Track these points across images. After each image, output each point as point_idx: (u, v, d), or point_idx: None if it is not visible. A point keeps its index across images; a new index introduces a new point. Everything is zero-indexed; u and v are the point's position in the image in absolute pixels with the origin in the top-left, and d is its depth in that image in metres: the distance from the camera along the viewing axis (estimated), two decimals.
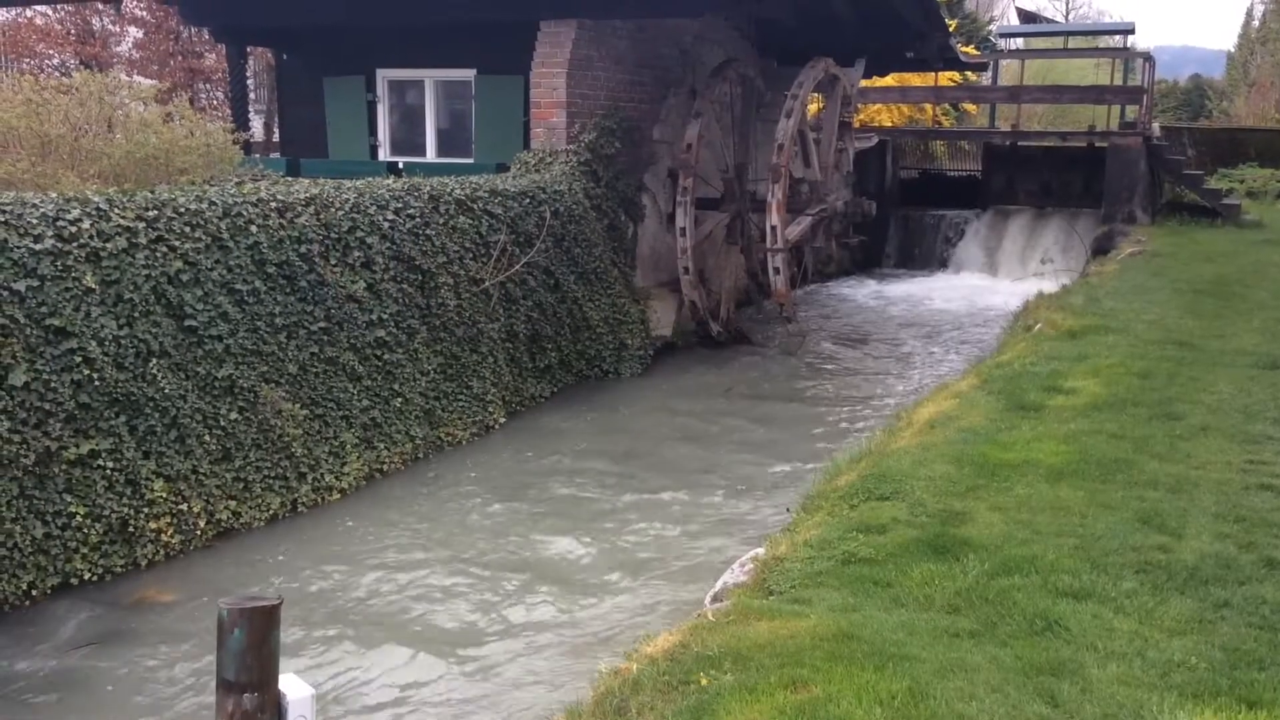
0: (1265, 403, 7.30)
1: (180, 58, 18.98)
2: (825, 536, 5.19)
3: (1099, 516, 5.32)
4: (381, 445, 8.21)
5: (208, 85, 19.39)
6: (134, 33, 19.02)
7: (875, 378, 11.98)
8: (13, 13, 18.46)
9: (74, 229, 6.42)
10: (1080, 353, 8.79)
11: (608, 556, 6.76)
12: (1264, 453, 6.28)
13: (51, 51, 18.08)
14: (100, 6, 17.34)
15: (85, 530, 6.16)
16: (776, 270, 12.35)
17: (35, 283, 6.13)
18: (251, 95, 20.90)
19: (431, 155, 13.80)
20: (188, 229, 7.10)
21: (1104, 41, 26.37)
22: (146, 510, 6.47)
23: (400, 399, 8.49)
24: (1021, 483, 5.84)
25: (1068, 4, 60.74)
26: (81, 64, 17.17)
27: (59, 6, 18.23)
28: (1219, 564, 4.74)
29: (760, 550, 5.25)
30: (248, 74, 20.18)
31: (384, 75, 13.98)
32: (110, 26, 18.77)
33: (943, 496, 5.67)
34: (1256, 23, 48.01)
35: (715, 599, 4.77)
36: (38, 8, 18.32)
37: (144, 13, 18.58)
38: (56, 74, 16.29)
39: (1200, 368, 8.28)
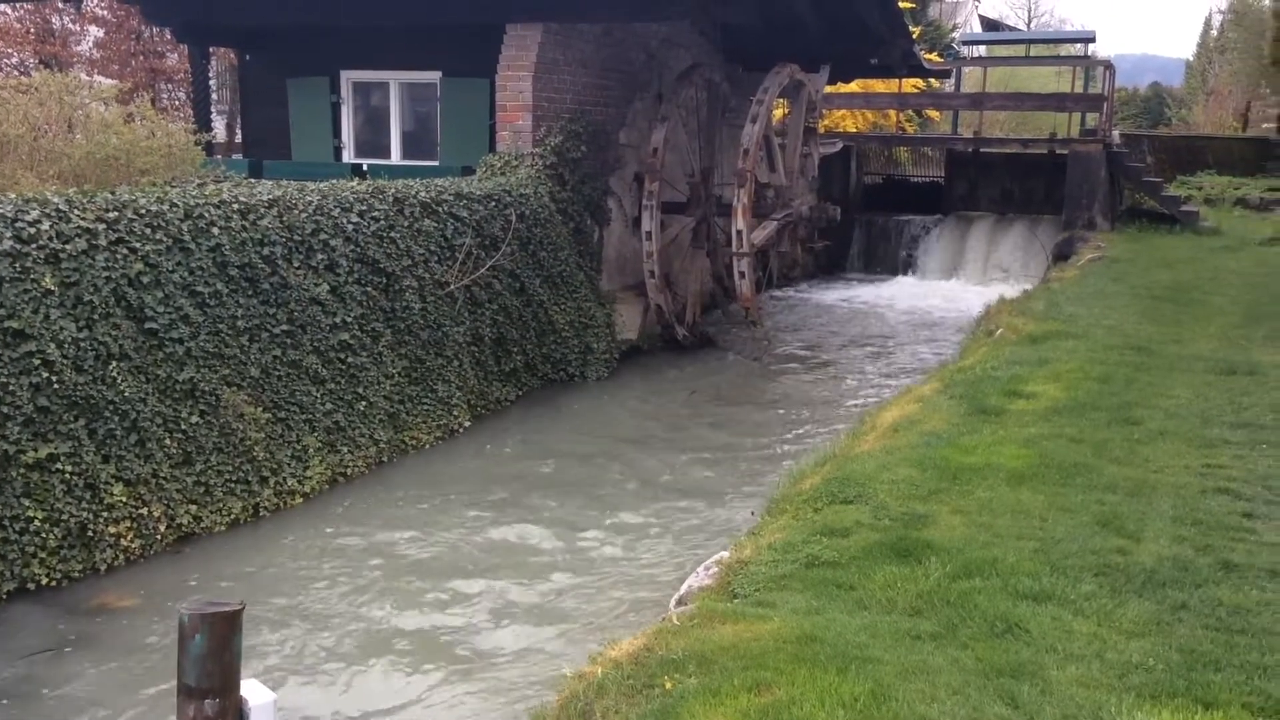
0: (1221, 407, 7.40)
1: (142, 57, 18.79)
2: (789, 540, 5.22)
3: (1059, 520, 5.38)
4: (345, 449, 8.16)
5: (169, 85, 19.20)
6: (95, 32, 18.80)
7: (839, 381, 12.04)
8: None
9: (33, 230, 6.34)
10: (1041, 357, 8.88)
11: (571, 560, 6.76)
12: (1220, 456, 6.37)
13: (10, 50, 17.84)
14: (60, 5, 17.14)
15: (43, 535, 6.09)
16: (742, 274, 12.39)
17: None
18: (214, 96, 20.74)
19: (396, 158, 13.74)
20: (149, 230, 7.03)
21: (1065, 50, 26.64)
22: (106, 514, 6.40)
23: (364, 402, 8.45)
24: (983, 486, 5.89)
25: (1030, 12, 61.42)
26: (41, 63, 16.96)
27: (18, 5, 18.02)
28: (1176, 566, 4.81)
29: (725, 554, 5.26)
30: (210, 74, 20.03)
31: (348, 77, 13.90)
32: (70, 25, 18.55)
33: (905, 500, 5.72)
34: (1215, 32, 48.68)
35: (680, 602, 4.78)
36: None
37: (105, 12, 18.38)
38: (15, 73, 16.08)
39: (1158, 373, 8.38)
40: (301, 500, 7.61)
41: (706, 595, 4.69)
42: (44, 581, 6.07)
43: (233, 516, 7.13)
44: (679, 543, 7.06)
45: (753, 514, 6.67)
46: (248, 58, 14.80)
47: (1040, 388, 7.95)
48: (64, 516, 6.19)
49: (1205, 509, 5.51)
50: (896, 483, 5.96)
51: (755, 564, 4.96)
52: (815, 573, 4.81)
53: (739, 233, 12.19)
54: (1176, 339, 9.65)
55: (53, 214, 6.51)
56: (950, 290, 18.93)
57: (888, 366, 12.79)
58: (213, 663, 2.34)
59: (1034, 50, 25.95)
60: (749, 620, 4.28)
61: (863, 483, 5.97)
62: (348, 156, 13.92)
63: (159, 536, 6.66)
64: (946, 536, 5.18)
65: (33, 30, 18.02)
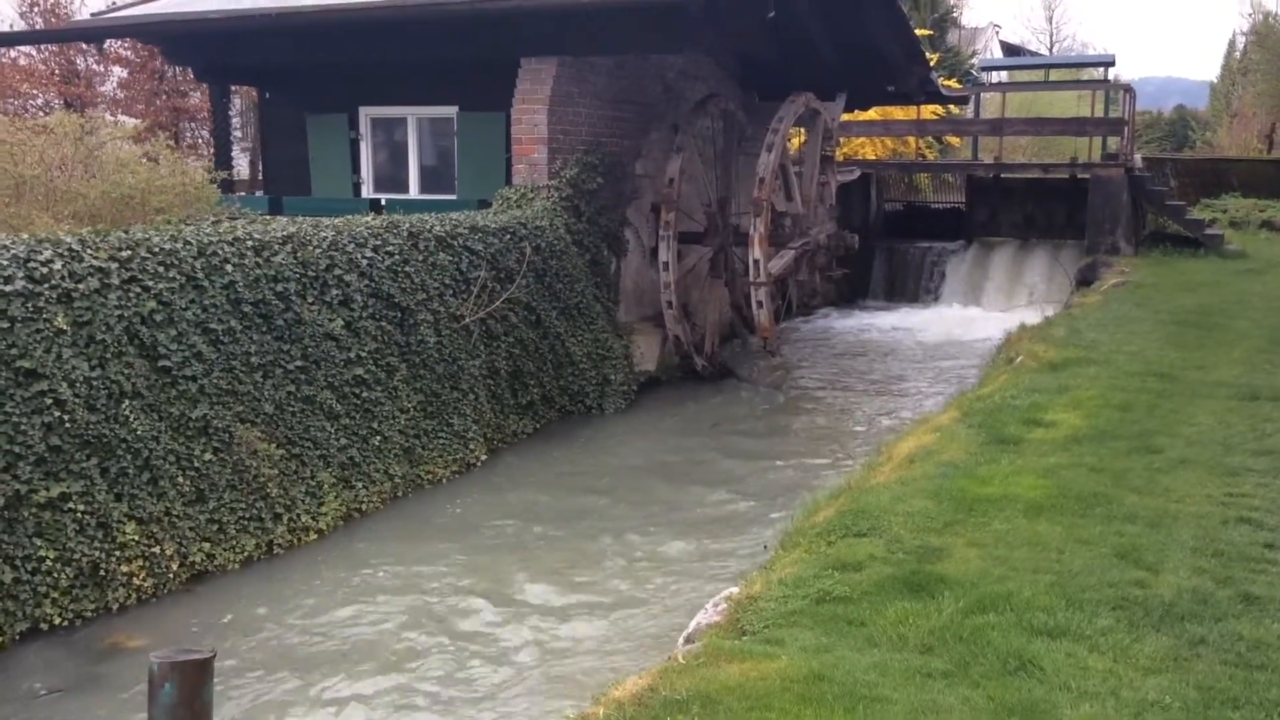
0: (1244, 434, 7.28)
1: (165, 97, 19.01)
2: (800, 574, 5.14)
3: (1076, 552, 5.29)
4: (360, 484, 8.14)
5: (193, 124, 19.42)
6: (118, 72, 19.05)
7: (859, 411, 11.95)
8: None
9: (45, 270, 6.39)
10: (1061, 385, 8.77)
11: (584, 596, 6.70)
12: (1243, 485, 6.26)
13: (36, 92, 18.10)
14: (85, 46, 17.37)
15: (55, 574, 6.09)
16: (759, 304, 12.35)
17: (5, 324, 6.09)
18: (238, 133, 20.96)
19: (415, 192, 13.81)
20: (161, 268, 7.07)
21: (1086, 74, 26.57)
22: (118, 553, 6.39)
23: (379, 437, 8.44)
24: (1000, 518, 5.80)
25: (1051, 36, 61.29)
26: (66, 104, 17.20)
27: (43, 47, 18.29)
28: (1196, 600, 4.70)
29: (735, 589, 5.19)
30: (234, 112, 20.24)
31: (367, 113, 14.00)
32: (95, 66, 18.80)
33: (920, 532, 5.63)
34: (1238, 54, 48.41)
35: (688, 640, 4.71)
36: (21, 48, 18.38)
37: (128, 52, 18.61)
38: (40, 114, 16.27)
39: (1180, 399, 8.26)
40: (316, 537, 7.59)
41: (714, 632, 4.62)
42: (56, 621, 6.06)
43: (246, 554, 7.12)
44: (694, 577, 6.99)
45: (765, 547, 6.60)
46: (267, 95, 14.94)
47: (1060, 416, 7.85)
48: (76, 556, 6.19)
49: (1226, 539, 5.40)
50: (911, 515, 5.87)
51: (765, 600, 4.89)
52: (826, 608, 4.73)
53: (756, 262, 12.16)
54: (1200, 365, 9.52)
55: (65, 254, 6.55)
56: (973, 317, 18.77)
57: (909, 395, 12.68)
58: (184, 711, 2.30)
59: (1054, 75, 25.89)
60: (756, 659, 4.21)
61: (877, 515, 5.89)
62: (367, 192, 14.00)
63: (172, 575, 6.65)
64: (961, 570, 5.09)
65: (57, 72, 18.27)
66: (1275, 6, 34.24)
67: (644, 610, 6.49)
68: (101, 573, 6.30)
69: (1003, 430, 7.51)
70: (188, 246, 7.34)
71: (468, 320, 9.64)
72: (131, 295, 6.83)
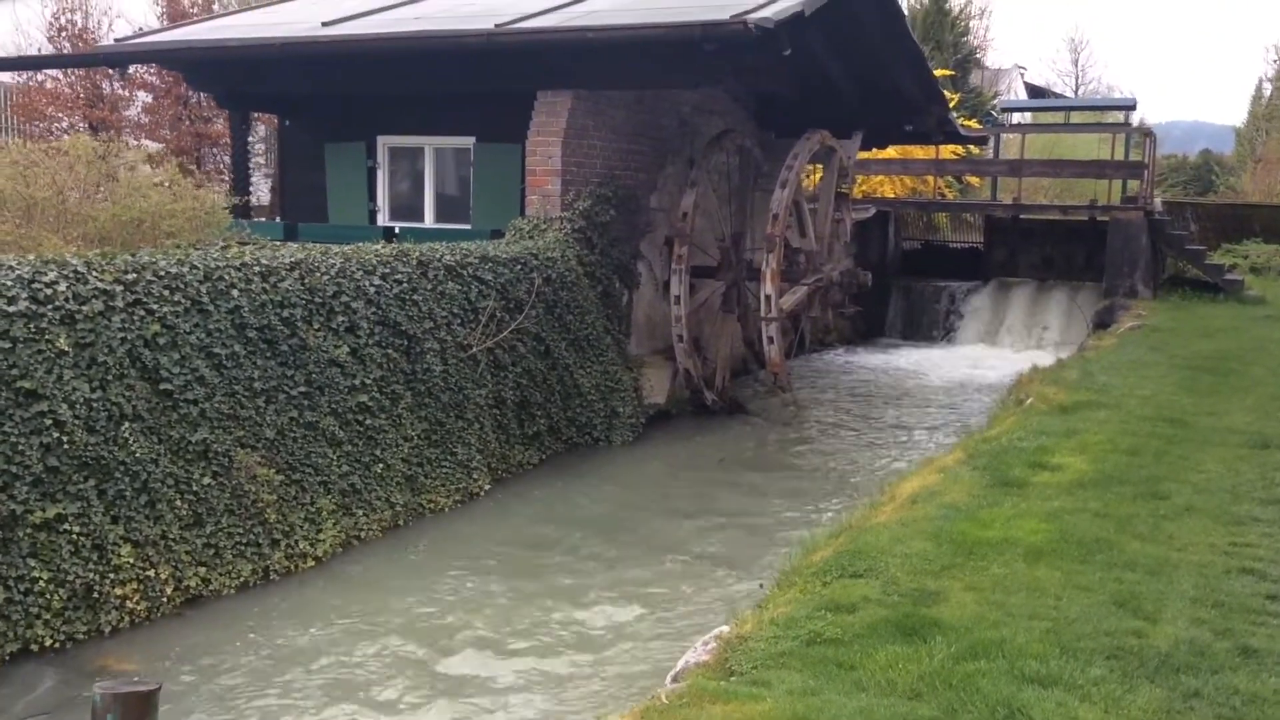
0: (1253, 483, 7.18)
1: (189, 123, 19.19)
2: (793, 615, 5.08)
3: (1074, 598, 5.20)
4: (360, 512, 8.11)
5: (215, 150, 19.56)
6: (143, 97, 19.24)
7: (868, 449, 11.86)
8: (23, 76, 18.74)
9: (49, 291, 6.41)
10: (1070, 428, 8.68)
11: (579, 632, 6.63)
12: (1248, 534, 6.16)
13: (61, 115, 18.29)
14: (110, 71, 17.56)
15: (48, 595, 6.07)
16: (770, 339, 12.31)
17: (6, 345, 6.10)
18: (260, 160, 21.12)
19: (430, 221, 13.86)
20: (167, 292, 7.09)
21: (1109, 117, 26.51)
22: (112, 576, 6.38)
23: (381, 465, 8.42)
24: (999, 562, 5.72)
25: (1077, 79, 61.26)
26: (91, 127, 17.36)
27: (69, 71, 18.49)
28: (1192, 651, 4.61)
29: (725, 628, 5.13)
30: (258, 139, 20.40)
31: (384, 142, 14.09)
32: (120, 91, 19.00)
33: (917, 575, 5.56)
34: (1265, 100, 48.27)
35: (675, 679, 4.65)
36: (48, 72, 18.59)
37: (153, 78, 18.82)
38: (65, 137, 16.44)
39: (1190, 446, 8.16)
40: (313, 564, 7.56)
41: (701, 672, 4.56)
42: (47, 643, 6.03)
43: (242, 579, 7.09)
44: (691, 615, 6.91)
45: (761, 586, 6.53)
46: (287, 123, 15.05)
47: (1067, 460, 7.76)
48: (70, 577, 6.17)
49: (1228, 590, 5.31)
50: (909, 556, 5.80)
51: (755, 639, 4.82)
52: (816, 650, 4.66)
53: (768, 298, 12.13)
54: (1212, 411, 9.42)
55: (70, 275, 6.58)
56: (989, 357, 18.68)
57: (919, 435, 12.59)
58: None
59: (1074, 118, 25.84)
60: (740, 700, 4.14)
61: (875, 556, 5.82)
62: (382, 220, 14.06)
63: (165, 599, 6.62)
64: (956, 615, 5.02)
65: (83, 95, 18.47)
66: None
67: (634, 646, 6.42)
68: (95, 595, 6.28)
69: (1007, 473, 7.43)
70: (194, 271, 7.36)
71: (475, 350, 9.64)
72: (135, 318, 6.84)
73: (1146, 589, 5.31)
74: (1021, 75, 52.77)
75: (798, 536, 8.01)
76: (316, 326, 8.19)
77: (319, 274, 8.36)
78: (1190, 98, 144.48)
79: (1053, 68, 76.66)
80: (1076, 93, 58.68)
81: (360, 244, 9.48)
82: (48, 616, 6.05)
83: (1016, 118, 25.13)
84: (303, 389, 7.91)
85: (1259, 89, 52.48)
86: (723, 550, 8.25)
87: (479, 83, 12.37)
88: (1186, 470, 7.49)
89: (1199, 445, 8.20)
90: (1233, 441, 8.33)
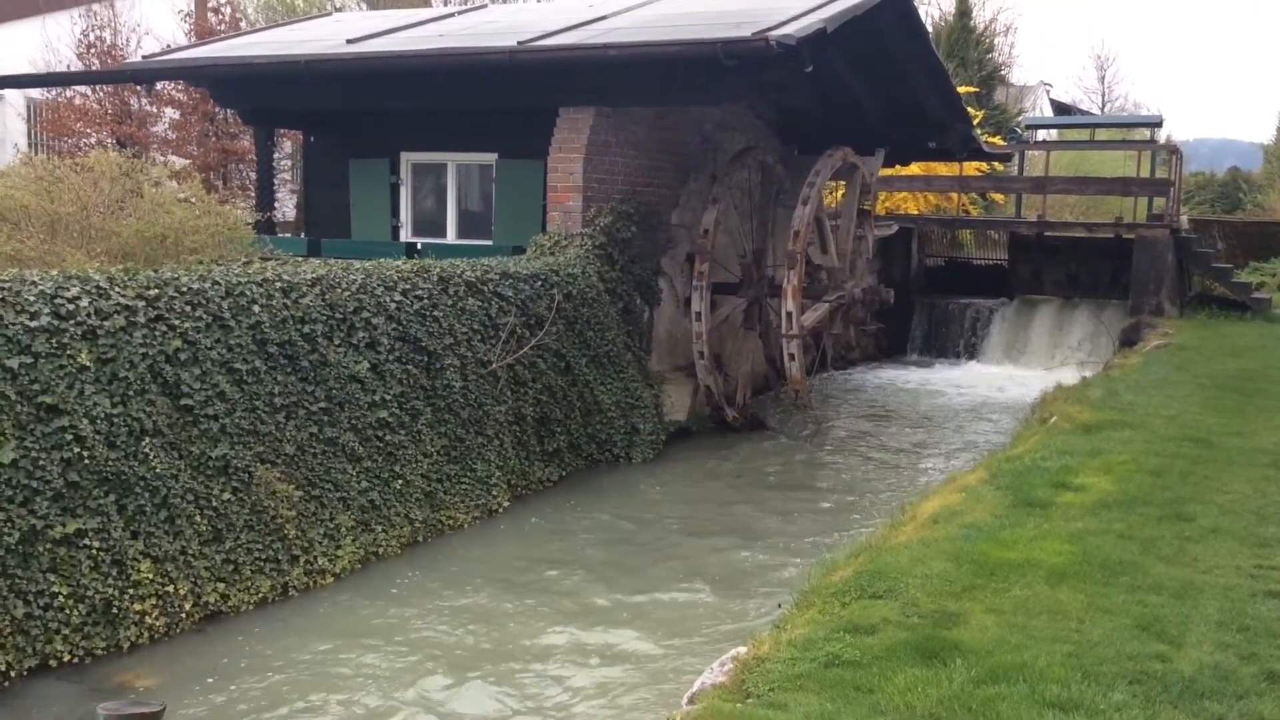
0: None
1: (215, 139, 19.35)
2: (811, 636, 5.03)
3: (1097, 621, 5.13)
4: (379, 528, 8.11)
5: (241, 165, 19.71)
6: (170, 113, 19.42)
7: (890, 468, 11.78)
8: (53, 92, 18.95)
9: (71, 306, 6.45)
10: (1094, 448, 8.59)
11: (595, 652, 6.59)
12: (1275, 557, 6.06)
13: (90, 131, 18.48)
14: (138, 88, 17.73)
15: (68, 610, 6.09)
16: (791, 356, 12.26)
17: (29, 359, 6.14)
18: (287, 176, 21.27)
19: (452, 237, 13.91)
20: (188, 308, 7.12)
21: (1136, 134, 26.36)
22: (132, 591, 6.39)
23: (400, 481, 8.42)
24: (1021, 583, 5.65)
25: (1104, 96, 60.97)
26: (119, 143, 17.52)
27: (98, 87, 18.68)
28: (1217, 676, 4.54)
29: (743, 648, 5.08)
30: (283, 155, 20.55)
31: (407, 158, 14.16)
32: (148, 107, 19.17)
33: (938, 596, 5.50)
34: None
35: (691, 700, 4.61)
36: (78, 88, 18.79)
37: (180, 94, 18.99)
38: (93, 153, 16.61)
39: (1216, 466, 8.06)
40: (332, 580, 7.56)
41: (717, 694, 4.51)
42: (66, 659, 6.05)
43: (261, 595, 7.09)
44: (708, 635, 6.87)
45: (780, 606, 6.47)
46: (312, 139, 15.16)
47: (1090, 480, 7.68)
48: (89, 593, 6.18)
49: (1254, 613, 5.22)
50: (930, 578, 5.74)
51: (772, 661, 4.78)
52: (833, 673, 4.61)
53: (789, 314, 12.10)
54: (1239, 431, 9.30)
55: (92, 291, 6.62)
56: (1013, 375, 18.56)
57: (942, 453, 12.50)
58: None
59: (1101, 134, 25.70)
60: None
61: (895, 577, 5.76)
62: (405, 236, 14.12)
63: (184, 615, 6.63)
64: (977, 637, 4.96)
65: (111, 112, 18.66)
66: None
67: (650, 666, 6.37)
68: (114, 610, 6.30)
69: (1030, 493, 7.35)
70: (215, 287, 7.39)
71: (495, 366, 9.64)
72: (157, 333, 6.88)
73: (1171, 612, 5.23)
74: (1047, 92, 52.55)
75: (817, 556, 7.97)
76: (337, 342, 8.21)
77: (340, 290, 8.39)
78: (1219, 115, 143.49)
79: (1079, 84, 76.51)
80: (1103, 109, 58.41)
81: (382, 259, 9.51)
82: (67, 632, 6.07)
83: (1041, 135, 25.01)
84: (323, 405, 7.93)
85: None
86: (742, 569, 8.19)
87: (501, 99, 12.41)
88: (1212, 491, 7.39)
89: (1225, 466, 8.10)
90: (1260, 462, 8.23)
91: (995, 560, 5.98)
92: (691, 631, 6.92)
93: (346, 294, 8.42)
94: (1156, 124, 23.47)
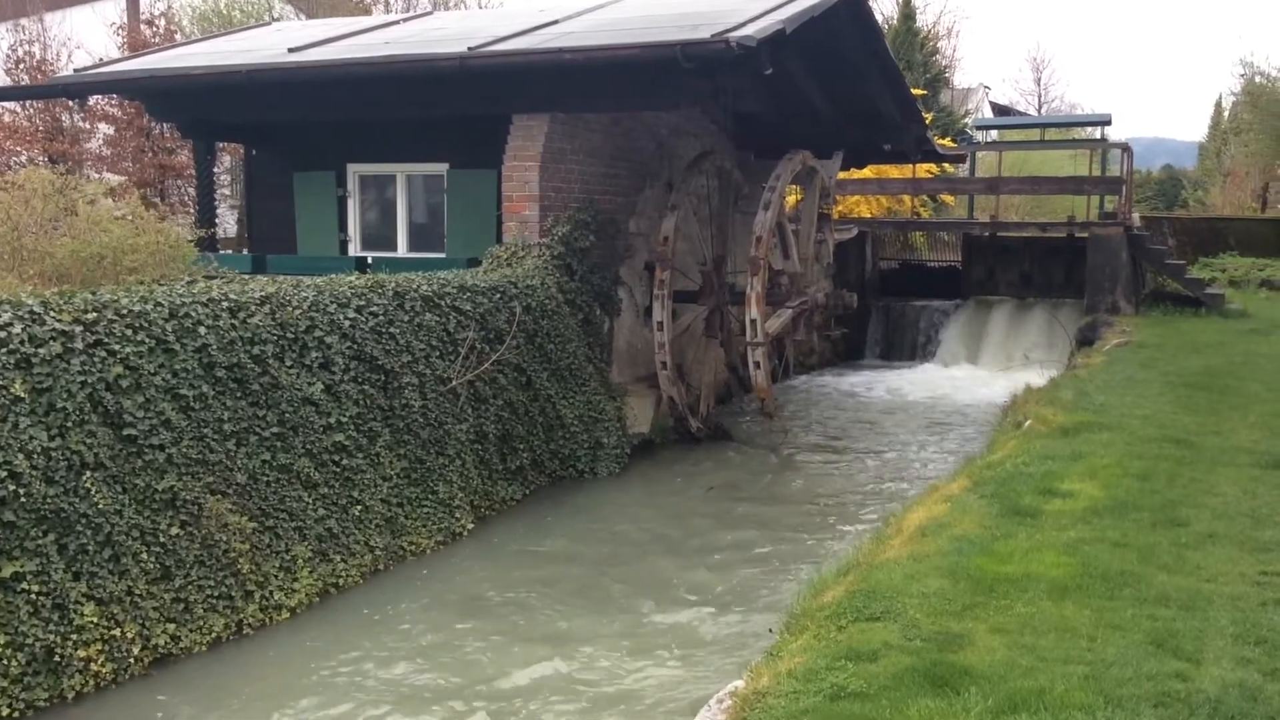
0: (1272, 506, 6.90)
1: (152, 154, 18.75)
2: (811, 665, 4.72)
3: (1109, 639, 4.88)
4: (338, 557, 7.70)
5: (179, 181, 19.13)
6: (104, 129, 18.79)
7: (859, 475, 11.55)
8: None
9: (3, 334, 6.00)
10: (1075, 451, 8.39)
11: (569, 686, 6.24)
12: (1277, 562, 5.86)
13: (19, 149, 17.81)
14: (70, 103, 17.12)
15: (5, 660, 5.63)
16: (757, 364, 11.99)
17: None
18: (227, 191, 20.69)
19: (403, 250, 13.50)
20: (129, 332, 6.68)
21: (1082, 133, 26.49)
22: (75, 637, 5.94)
23: (359, 507, 8.02)
24: (1023, 600, 5.40)
25: (1040, 98, 61.79)
26: (51, 161, 16.91)
27: (28, 103, 18.04)
28: (1243, 695, 4.29)
29: (740, 683, 4.77)
30: (223, 169, 19.97)
31: (355, 170, 13.73)
32: (81, 123, 18.54)
33: (938, 616, 5.22)
34: (1227, 114, 48.75)
35: None
36: (6, 105, 18.13)
37: (114, 109, 18.38)
38: (22, 171, 15.99)
39: (1201, 467, 7.89)
40: (288, 615, 7.13)
41: None
42: (5, 712, 5.59)
43: (214, 635, 6.66)
44: (691, 661, 6.55)
45: (771, 630, 6.17)
46: (254, 152, 14.67)
47: (1077, 485, 7.46)
48: (29, 640, 5.73)
49: (1268, 624, 5.00)
50: (927, 596, 5.46)
51: (773, 695, 4.47)
52: (841, 706, 4.31)
53: (753, 321, 11.82)
54: (1216, 430, 9.16)
55: (25, 316, 6.17)
56: (971, 376, 18.47)
57: (909, 458, 12.30)
58: None
59: (1050, 134, 25.79)
60: None
61: (890, 596, 5.48)
62: (354, 250, 13.69)
63: (133, 659, 6.19)
64: (986, 660, 4.68)
65: (42, 129, 18.00)
66: (1267, 67, 34.19)
67: (638, 707, 6.03)
68: (56, 658, 5.85)
69: (1018, 501, 7.12)
70: (158, 308, 6.95)
71: (455, 383, 9.26)
72: (96, 360, 6.43)
73: (1183, 626, 5.00)
74: (987, 94, 53.07)
75: (800, 572, 7.68)
76: (289, 363, 7.80)
77: (290, 308, 7.98)
78: (1149, 114, 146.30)
79: (1015, 87, 77.36)
80: (1040, 110, 59.13)
81: (333, 275, 9.10)
82: (5, 684, 5.61)
83: (991, 135, 25.02)
84: (275, 430, 7.51)
85: (1220, 103, 53.08)
86: (719, 588, 7.88)
87: (452, 107, 12.04)
88: (1202, 494, 7.20)
89: (1209, 467, 7.93)
90: (1243, 461, 8.07)
91: (993, 575, 5.73)
92: (678, 660, 6.59)
93: (298, 312, 8.01)
94: (1106, 122, 23.57)
